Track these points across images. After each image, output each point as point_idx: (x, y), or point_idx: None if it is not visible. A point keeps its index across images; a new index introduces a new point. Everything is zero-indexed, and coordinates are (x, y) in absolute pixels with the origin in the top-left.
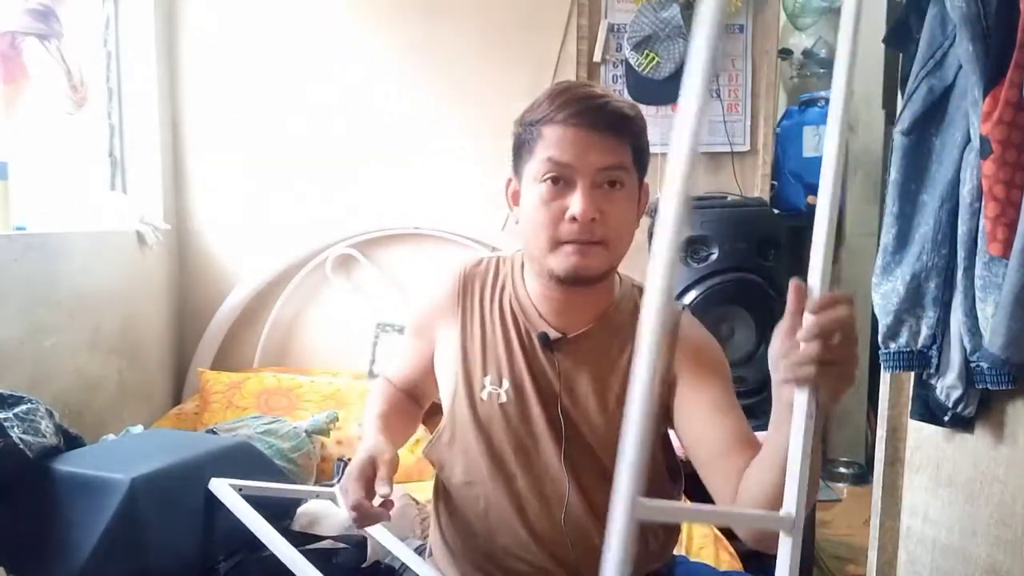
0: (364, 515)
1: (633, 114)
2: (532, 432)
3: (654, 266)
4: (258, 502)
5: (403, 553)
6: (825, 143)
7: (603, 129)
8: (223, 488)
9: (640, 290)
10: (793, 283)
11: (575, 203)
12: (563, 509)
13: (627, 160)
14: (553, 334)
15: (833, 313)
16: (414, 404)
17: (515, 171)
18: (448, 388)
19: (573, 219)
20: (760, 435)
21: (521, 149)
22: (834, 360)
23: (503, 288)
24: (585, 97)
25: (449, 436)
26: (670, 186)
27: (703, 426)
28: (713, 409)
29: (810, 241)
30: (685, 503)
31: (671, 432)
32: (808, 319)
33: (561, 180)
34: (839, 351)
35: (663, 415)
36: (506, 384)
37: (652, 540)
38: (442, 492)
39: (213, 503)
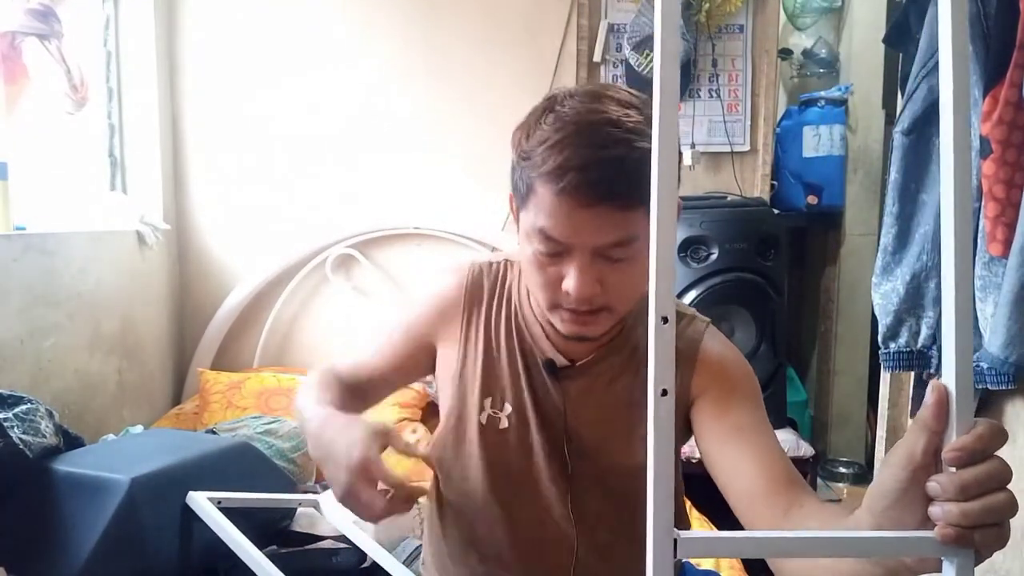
0: (387, 514)
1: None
2: (534, 464)
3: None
4: (254, 504)
5: (389, 564)
6: (942, 175)
7: (607, 202)
8: (201, 502)
9: None
10: (935, 388)
11: (570, 279)
12: (573, 556)
13: (638, 225)
14: (560, 361)
15: (986, 470)
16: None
17: (513, 192)
18: (446, 404)
19: (568, 292)
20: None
21: (517, 181)
22: (986, 521)
23: (508, 300)
24: (586, 163)
25: (442, 450)
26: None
27: (733, 455)
28: (737, 432)
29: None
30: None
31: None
32: (948, 473)
33: (555, 250)
34: (994, 510)
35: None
36: (508, 409)
37: None
38: (437, 500)
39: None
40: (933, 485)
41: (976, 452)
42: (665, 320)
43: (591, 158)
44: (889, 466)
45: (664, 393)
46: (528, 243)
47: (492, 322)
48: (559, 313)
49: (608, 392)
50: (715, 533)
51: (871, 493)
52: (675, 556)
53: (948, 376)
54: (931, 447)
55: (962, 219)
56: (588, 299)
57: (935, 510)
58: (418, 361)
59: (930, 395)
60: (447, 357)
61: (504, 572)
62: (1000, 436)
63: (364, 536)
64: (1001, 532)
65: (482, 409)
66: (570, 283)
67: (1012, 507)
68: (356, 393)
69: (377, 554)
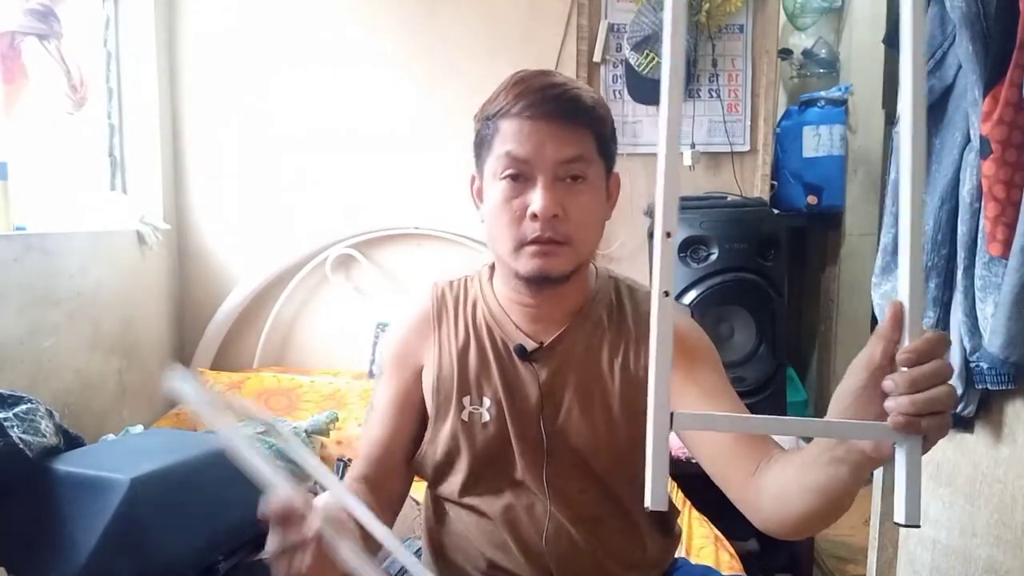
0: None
1: (593, 102)
2: (515, 448)
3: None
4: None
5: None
6: (901, 144)
7: (561, 119)
8: None
9: (618, 282)
10: (892, 305)
11: (535, 200)
12: (545, 520)
13: (589, 150)
14: (529, 344)
15: (931, 368)
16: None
17: (477, 168)
18: (430, 410)
19: (535, 216)
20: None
21: (481, 146)
22: (932, 410)
23: (475, 304)
24: (541, 88)
25: (434, 455)
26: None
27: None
28: (706, 395)
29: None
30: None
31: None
32: (901, 372)
33: (521, 176)
34: (938, 400)
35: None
36: (488, 402)
37: (650, 544)
38: (430, 504)
39: (213, 503)
40: (888, 383)
41: (925, 353)
42: (667, 294)
43: (542, 88)
44: (851, 371)
45: (666, 294)
46: (494, 186)
47: (461, 327)
48: (525, 251)
49: (576, 364)
50: (706, 412)
51: (836, 396)
52: (671, 428)
53: (903, 294)
54: (888, 353)
55: (918, 128)
56: (552, 222)
57: (889, 403)
58: (417, 388)
59: (888, 311)
60: (429, 365)
61: (494, 549)
62: (944, 342)
63: (375, 524)
64: (943, 420)
65: (462, 407)
66: (536, 204)
67: (952, 399)
68: (379, 487)
69: (387, 541)
